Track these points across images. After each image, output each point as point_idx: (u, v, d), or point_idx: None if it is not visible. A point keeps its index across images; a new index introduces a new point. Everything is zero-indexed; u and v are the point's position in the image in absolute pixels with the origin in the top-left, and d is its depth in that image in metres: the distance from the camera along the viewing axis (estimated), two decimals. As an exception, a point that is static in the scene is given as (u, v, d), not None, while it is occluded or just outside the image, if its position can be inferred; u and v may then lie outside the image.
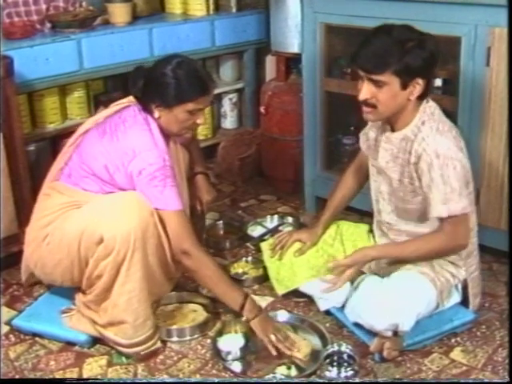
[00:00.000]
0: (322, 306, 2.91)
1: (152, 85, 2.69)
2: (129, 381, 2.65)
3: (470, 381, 2.58)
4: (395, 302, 2.55)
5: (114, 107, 2.90)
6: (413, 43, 2.48)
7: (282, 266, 2.98)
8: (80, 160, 2.75)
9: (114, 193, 2.69)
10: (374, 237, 2.95)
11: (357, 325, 2.73)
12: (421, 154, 2.55)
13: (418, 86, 2.53)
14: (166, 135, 2.77)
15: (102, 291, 2.65)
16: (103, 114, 2.89)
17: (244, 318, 2.71)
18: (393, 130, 2.67)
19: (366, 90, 2.54)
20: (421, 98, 2.59)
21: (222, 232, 3.74)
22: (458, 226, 2.60)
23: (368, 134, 2.84)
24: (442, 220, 2.60)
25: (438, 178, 2.52)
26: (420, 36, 2.52)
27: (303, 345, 2.70)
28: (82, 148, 2.78)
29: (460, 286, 2.79)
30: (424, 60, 2.49)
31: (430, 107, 2.65)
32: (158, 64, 2.74)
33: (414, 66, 2.48)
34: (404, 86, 2.51)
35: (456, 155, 2.53)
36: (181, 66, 2.69)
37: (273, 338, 2.65)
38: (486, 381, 2.59)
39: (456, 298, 2.80)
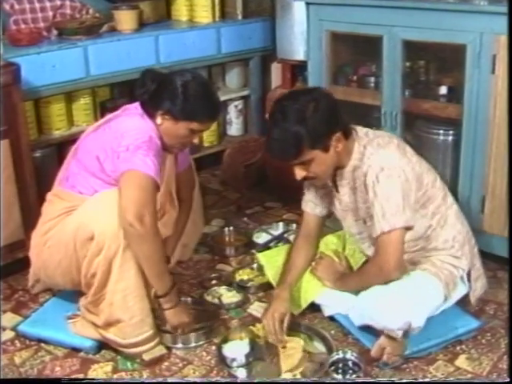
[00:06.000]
0: (327, 312, 2.92)
1: (166, 92, 2.69)
2: (130, 381, 2.66)
3: (471, 381, 2.58)
4: (406, 300, 2.54)
5: (116, 112, 2.89)
6: (307, 114, 2.48)
7: None
8: (77, 162, 2.78)
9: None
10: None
11: (362, 331, 2.74)
12: (367, 171, 2.57)
13: (337, 140, 2.56)
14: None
15: (97, 290, 2.66)
16: (105, 118, 2.90)
17: (162, 306, 2.71)
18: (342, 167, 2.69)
19: (298, 172, 2.62)
20: (348, 136, 2.62)
21: (227, 239, 3.74)
22: (390, 244, 2.55)
23: (313, 192, 2.87)
24: (377, 240, 2.58)
25: (383, 190, 2.53)
26: (310, 99, 2.51)
27: (294, 341, 2.72)
28: (79, 150, 2.81)
29: (465, 277, 2.77)
30: (326, 120, 2.51)
31: (361, 131, 2.69)
32: (174, 75, 2.74)
33: (320, 133, 2.51)
34: (325, 150, 2.54)
35: (399, 162, 2.56)
36: (197, 83, 2.71)
37: (179, 331, 2.78)
38: (486, 381, 2.59)
39: (462, 289, 2.78)
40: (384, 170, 2.53)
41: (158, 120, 2.70)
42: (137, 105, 2.77)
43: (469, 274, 2.77)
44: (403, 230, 2.55)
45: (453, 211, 2.77)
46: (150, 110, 2.72)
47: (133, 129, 2.65)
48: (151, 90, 2.71)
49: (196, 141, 2.79)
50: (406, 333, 2.59)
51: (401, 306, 2.54)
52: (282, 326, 2.74)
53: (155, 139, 2.66)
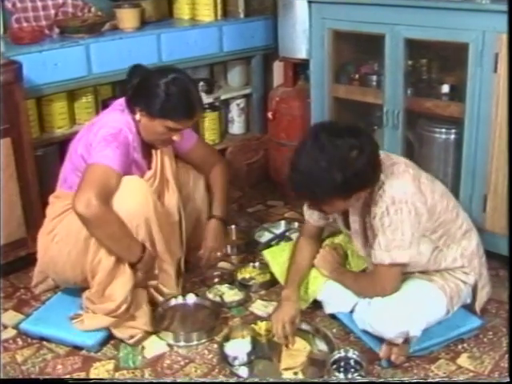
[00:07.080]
0: (328, 309, 2.92)
1: (143, 89, 2.75)
2: (131, 381, 2.66)
3: (470, 381, 2.58)
4: (404, 310, 2.54)
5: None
6: (349, 162, 2.33)
7: None
8: (70, 162, 2.83)
9: None
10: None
11: (364, 331, 2.72)
12: (377, 200, 2.49)
13: (364, 192, 2.48)
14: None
15: (104, 276, 2.70)
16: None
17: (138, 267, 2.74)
18: None
19: (306, 206, 2.67)
20: None
21: (229, 237, 3.73)
22: (388, 277, 2.57)
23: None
24: (375, 268, 2.58)
25: (391, 222, 2.46)
26: (355, 144, 2.35)
27: (298, 340, 2.71)
28: (71, 150, 2.86)
29: (471, 291, 2.78)
30: (365, 174, 2.40)
31: None
32: (156, 73, 2.80)
33: (354, 187, 2.40)
34: (348, 198, 2.45)
35: (412, 197, 2.47)
36: (176, 83, 2.74)
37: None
38: (486, 381, 2.59)
39: (466, 301, 2.79)
40: (395, 204, 2.45)
41: (137, 116, 2.76)
42: (122, 101, 2.84)
43: (475, 285, 2.77)
44: (403, 264, 2.54)
45: (461, 230, 2.72)
46: (131, 106, 2.78)
47: (107, 123, 2.73)
48: (134, 86, 2.78)
49: (177, 138, 2.80)
50: (407, 340, 2.59)
51: (398, 315, 2.54)
52: (292, 328, 2.71)
53: (126, 132, 2.72)
